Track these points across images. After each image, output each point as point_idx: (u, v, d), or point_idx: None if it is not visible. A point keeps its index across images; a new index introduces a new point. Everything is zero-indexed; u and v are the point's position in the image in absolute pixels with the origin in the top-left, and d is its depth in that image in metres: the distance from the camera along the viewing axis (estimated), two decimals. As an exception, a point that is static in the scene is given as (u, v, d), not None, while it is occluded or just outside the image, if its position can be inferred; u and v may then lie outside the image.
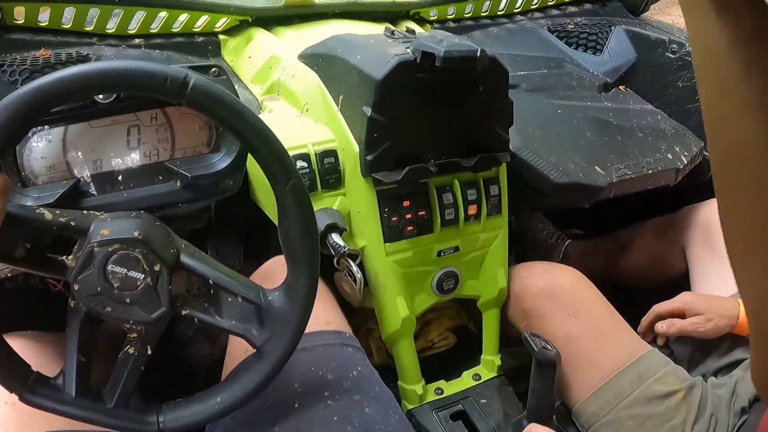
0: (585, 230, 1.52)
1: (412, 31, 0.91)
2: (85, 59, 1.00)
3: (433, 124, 0.85)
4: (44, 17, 1.02)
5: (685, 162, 1.17)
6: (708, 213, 1.21)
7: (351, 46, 0.87)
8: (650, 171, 1.11)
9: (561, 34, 1.32)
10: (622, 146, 1.12)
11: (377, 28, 1.19)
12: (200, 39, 1.16)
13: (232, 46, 1.16)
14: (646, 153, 1.14)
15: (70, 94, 0.55)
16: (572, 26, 1.32)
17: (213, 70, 0.78)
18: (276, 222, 0.92)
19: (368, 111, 0.80)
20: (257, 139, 0.60)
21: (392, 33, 0.91)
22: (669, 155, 1.16)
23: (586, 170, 1.03)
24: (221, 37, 1.18)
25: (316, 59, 0.95)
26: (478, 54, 0.77)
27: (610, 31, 1.33)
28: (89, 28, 1.06)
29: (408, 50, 0.80)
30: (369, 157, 0.82)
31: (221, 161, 0.77)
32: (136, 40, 1.10)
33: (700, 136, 1.26)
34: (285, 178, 0.62)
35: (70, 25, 1.04)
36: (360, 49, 0.85)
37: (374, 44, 0.86)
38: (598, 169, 1.05)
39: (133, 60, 0.58)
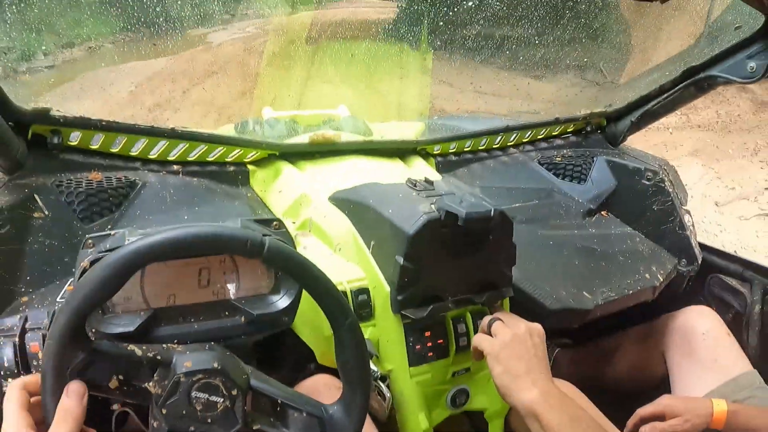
0: (572, 339, 1.65)
1: (431, 182, 1.07)
2: (132, 184, 1.14)
3: (451, 267, 1.00)
4: (96, 141, 1.17)
5: (661, 280, 1.33)
6: (684, 320, 1.36)
7: (382, 197, 1.03)
8: (630, 291, 1.26)
9: (549, 166, 1.49)
10: (605, 271, 1.28)
11: (390, 163, 1.36)
12: (231, 168, 1.31)
13: (261, 178, 1.31)
14: (627, 275, 1.30)
15: (167, 255, 0.69)
16: (560, 158, 1.50)
17: (275, 223, 0.91)
18: (311, 346, 1.04)
19: (401, 260, 0.94)
20: (321, 288, 0.77)
21: (414, 185, 1.06)
22: (647, 275, 1.32)
23: (575, 296, 1.18)
24: (250, 167, 1.33)
25: (347, 204, 1.10)
26: (492, 213, 0.93)
27: (593, 161, 1.50)
28: (134, 153, 1.21)
29: (433, 206, 0.95)
30: (400, 297, 0.97)
31: (282, 301, 0.88)
32: (175, 167, 1.25)
33: (674, 254, 1.43)
34: (343, 317, 0.77)
35: (118, 149, 1.19)
36: (391, 202, 1.00)
37: (402, 198, 1.01)
38: (586, 294, 1.20)
39: (218, 226, 0.73)
